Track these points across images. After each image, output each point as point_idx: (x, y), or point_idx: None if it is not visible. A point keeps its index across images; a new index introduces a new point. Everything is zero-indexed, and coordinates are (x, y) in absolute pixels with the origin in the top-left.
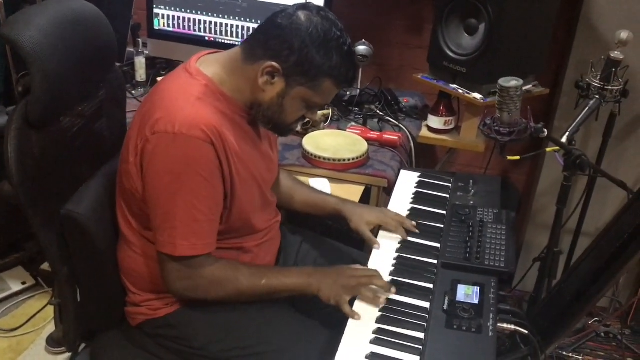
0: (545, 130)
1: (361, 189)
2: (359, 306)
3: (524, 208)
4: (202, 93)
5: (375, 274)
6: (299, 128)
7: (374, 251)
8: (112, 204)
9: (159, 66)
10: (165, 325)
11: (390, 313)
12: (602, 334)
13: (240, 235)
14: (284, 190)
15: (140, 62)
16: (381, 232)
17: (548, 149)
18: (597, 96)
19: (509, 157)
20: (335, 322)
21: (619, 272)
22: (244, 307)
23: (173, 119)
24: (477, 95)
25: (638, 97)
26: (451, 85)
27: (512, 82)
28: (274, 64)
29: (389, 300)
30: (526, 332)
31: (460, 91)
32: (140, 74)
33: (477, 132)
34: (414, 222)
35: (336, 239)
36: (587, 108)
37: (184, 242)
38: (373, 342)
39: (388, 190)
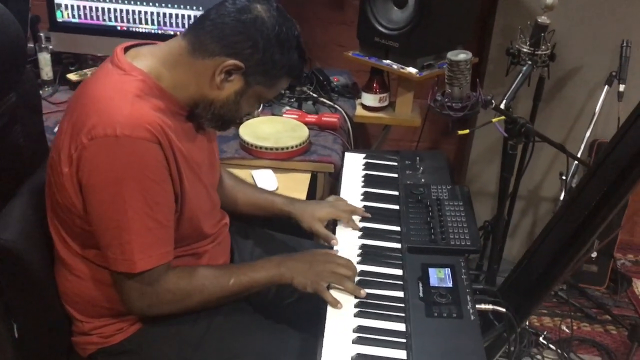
0: (494, 102)
1: (307, 176)
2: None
3: (457, 177)
4: (140, 90)
5: (349, 262)
6: None
7: (336, 245)
8: (43, 224)
9: (66, 61)
10: (122, 352)
11: (367, 307)
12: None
13: (190, 242)
14: (227, 191)
15: (44, 59)
16: (339, 225)
17: (494, 119)
18: (529, 62)
19: (460, 132)
20: (304, 322)
21: (587, 242)
22: (207, 318)
23: (112, 121)
24: (413, 70)
25: (564, 60)
26: (384, 61)
27: (461, 55)
28: (237, 62)
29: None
30: (504, 310)
31: (395, 67)
32: (46, 71)
33: (412, 106)
34: (363, 209)
35: (288, 232)
36: (520, 74)
37: (141, 256)
38: (356, 341)
39: (335, 175)
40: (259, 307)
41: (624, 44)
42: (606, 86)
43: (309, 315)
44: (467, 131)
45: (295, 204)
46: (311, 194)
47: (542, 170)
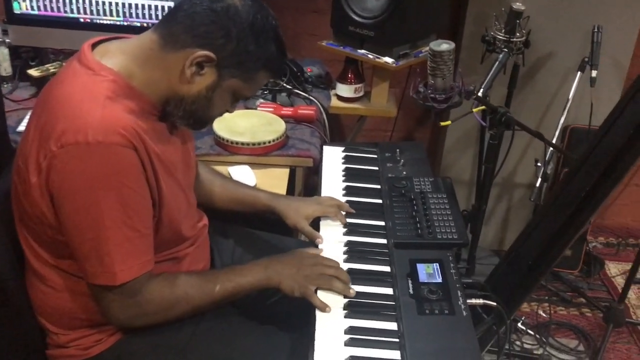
0: (476, 92)
1: (286, 171)
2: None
3: (432, 166)
4: (111, 91)
5: (337, 264)
6: None
7: (321, 242)
8: (11, 233)
9: (26, 56)
10: None
11: (357, 307)
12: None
13: (169, 247)
14: (205, 186)
15: (2, 54)
16: (322, 221)
17: (474, 110)
18: (505, 49)
19: (442, 124)
20: (292, 320)
21: (577, 234)
22: (191, 324)
23: (84, 127)
24: (389, 60)
25: (537, 46)
26: (359, 50)
27: (444, 45)
28: (208, 53)
29: None
30: (494, 304)
31: (370, 56)
32: (5, 67)
33: (387, 96)
34: (348, 205)
35: (268, 229)
36: (497, 62)
37: (121, 267)
38: (348, 343)
39: (314, 169)
40: (243, 308)
41: (595, 30)
42: (579, 72)
43: (296, 313)
44: (449, 122)
45: (279, 199)
46: (290, 190)
47: (516, 157)
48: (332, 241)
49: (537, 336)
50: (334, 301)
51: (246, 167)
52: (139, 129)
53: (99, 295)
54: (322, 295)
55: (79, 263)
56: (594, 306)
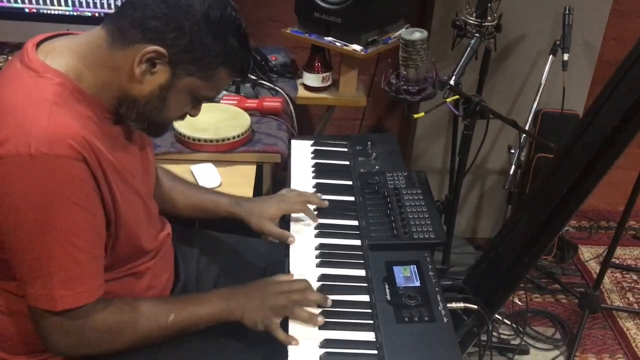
0: (449, 82)
1: (253, 168)
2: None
3: (403, 155)
4: (58, 95)
5: (306, 286)
6: None
7: (291, 246)
8: None
9: None
10: None
11: (332, 317)
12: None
13: (129, 261)
14: (165, 193)
15: None
16: (293, 223)
17: (448, 99)
18: (476, 34)
19: (416, 116)
20: (262, 339)
21: (560, 229)
22: (151, 352)
23: (26, 137)
24: (357, 47)
25: (508, 30)
26: (326, 38)
27: (416, 34)
28: (158, 48)
29: None
30: (476, 307)
31: (338, 44)
32: None
33: (356, 85)
34: (319, 194)
35: (235, 231)
36: (469, 48)
37: (65, 293)
38: (324, 358)
39: (282, 165)
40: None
41: (566, 12)
42: (551, 56)
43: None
44: (422, 114)
45: (241, 203)
46: (257, 187)
47: (487, 144)
48: (303, 244)
49: (514, 325)
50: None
51: (210, 166)
52: (90, 137)
53: (38, 319)
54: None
55: (20, 283)
56: (568, 292)
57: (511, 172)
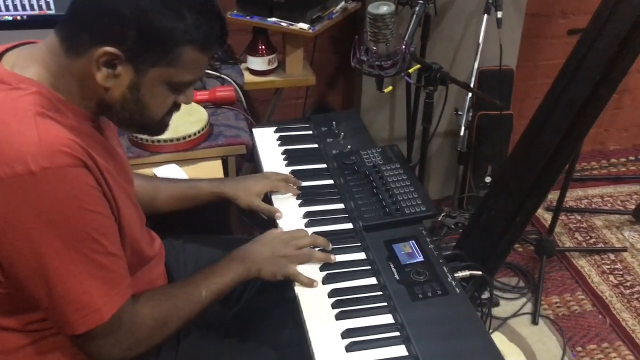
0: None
1: (218, 163)
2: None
3: None
4: (39, 105)
5: (306, 233)
6: None
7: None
8: None
9: None
10: None
11: (346, 305)
12: (452, 226)
13: (133, 272)
14: (144, 194)
15: None
16: (279, 222)
17: (411, 69)
18: (420, 1)
19: (385, 90)
20: (280, 338)
21: (548, 190)
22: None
23: (20, 154)
24: (304, 25)
25: None
26: (269, 19)
27: (383, 7)
28: (107, 49)
29: (335, 291)
30: (480, 273)
31: (284, 24)
32: None
33: (302, 64)
34: (294, 178)
35: (207, 230)
36: (414, 15)
37: (106, 299)
38: (349, 349)
39: (247, 156)
40: (206, 328)
41: None
42: (485, 15)
43: (267, 319)
44: (390, 88)
45: (225, 183)
46: None
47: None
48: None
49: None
50: (322, 304)
51: (174, 166)
52: (82, 143)
53: (86, 344)
54: (310, 308)
55: (52, 316)
56: (524, 241)
57: (462, 134)
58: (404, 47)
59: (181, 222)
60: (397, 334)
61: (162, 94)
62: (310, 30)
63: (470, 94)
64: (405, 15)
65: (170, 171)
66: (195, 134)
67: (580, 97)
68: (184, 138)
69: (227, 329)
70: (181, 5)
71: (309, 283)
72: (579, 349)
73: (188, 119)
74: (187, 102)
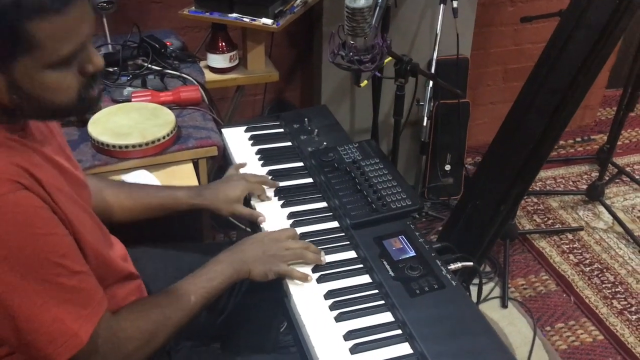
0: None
1: (189, 166)
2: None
3: None
4: None
5: (295, 233)
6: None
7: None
8: None
9: None
10: None
11: (344, 307)
12: (417, 215)
13: (108, 284)
14: (106, 201)
15: None
16: (263, 225)
17: (385, 61)
18: None
19: (362, 85)
20: (265, 341)
21: (532, 178)
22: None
23: None
24: (267, 21)
25: None
26: (230, 15)
27: (361, 1)
28: None
29: (330, 292)
30: (471, 263)
31: (246, 20)
32: None
33: (265, 60)
34: (270, 178)
35: (178, 237)
36: (377, 8)
37: (81, 322)
38: (353, 351)
39: (219, 158)
40: (196, 338)
41: None
42: (441, 5)
43: (257, 322)
44: (366, 82)
45: (203, 193)
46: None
47: (389, 98)
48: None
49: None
50: (321, 306)
51: (144, 172)
52: (14, 159)
53: None
54: (309, 314)
55: (26, 354)
56: None
57: (424, 124)
58: (381, 40)
59: (150, 231)
60: (399, 332)
61: (55, 78)
62: (275, 26)
63: (431, 84)
64: None
65: (140, 177)
66: (163, 138)
67: (562, 85)
68: (153, 142)
69: (217, 336)
70: None
71: (303, 277)
72: (548, 328)
73: (155, 122)
74: (97, 68)
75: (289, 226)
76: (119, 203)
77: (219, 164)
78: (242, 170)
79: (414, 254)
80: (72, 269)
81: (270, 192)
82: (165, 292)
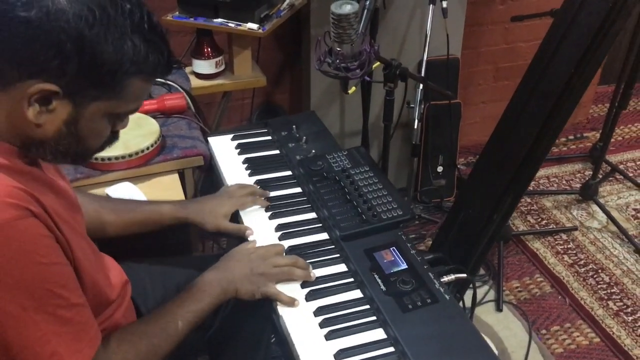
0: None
1: (175, 177)
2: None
3: None
4: None
5: (283, 248)
6: None
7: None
8: None
9: None
10: None
11: (335, 324)
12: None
13: (97, 314)
14: (92, 218)
15: None
16: (251, 237)
17: (373, 66)
18: None
19: (350, 91)
20: (253, 357)
21: (526, 186)
22: None
23: None
24: (253, 25)
25: None
26: (215, 20)
27: (347, 6)
28: (44, 86)
29: (320, 309)
30: (465, 275)
31: (232, 25)
32: None
33: (251, 64)
34: (259, 188)
35: (166, 250)
36: (365, 10)
37: (77, 356)
38: None
39: (205, 167)
40: (184, 355)
41: None
42: (431, 5)
43: (244, 338)
44: (354, 89)
45: (188, 206)
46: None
47: (379, 101)
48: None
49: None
50: (310, 324)
51: (128, 185)
52: (24, 187)
53: None
54: (300, 331)
55: None
56: None
57: (415, 127)
58: (368, 46)
59: (137, 243)
60: (392, 349)
61: (102, 126)
62: (261, 30)
63: (421, 86)
64: None
65: (124, 190)
66: (147, 149)
67: (555, 89)
68: (136, 153)
69: (205, 352)
70: (128, 32)
71: (290, 302)
72: (544, 331)
73: (139, 133)
74: (124, 128)
75: (277, 239)
76: (112, 221)
77: (206, 174)
78: (230, 182)
79: (406, 267)
80: (70, 300)
81: (260, 208)
82: (153, 319)
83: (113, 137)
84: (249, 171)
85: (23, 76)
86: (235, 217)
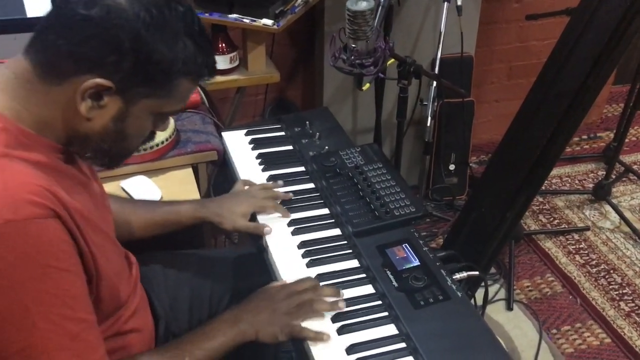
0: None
1: (189, 171)
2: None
3: None
4: (4, 144)
5: (314, 283)
6: None
7: (274, 251)
8: None
9: None
10: None
11: (346, 319)
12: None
13: (110, 316)
14: (118, 220)
15: None
16: (261, 221)
17: (387, 63)
18: None
19: (364, 88)
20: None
21: (540, 185)
22: None
23: None
24: (268, 21)
25: None
26: (229, 15)
27: (362, 3)
28: (99, 81)
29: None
30: (477, 273)
31: (246, 20)
32: None
33: (265, 60)
34: (280, 182)
35: (180, 244)
36: (380, 7)
37: None
38: None
39: (219, 162)
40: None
41: None
42: (445, 3)
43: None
44: (368, 85)
45: (207, 205)
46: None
47: (392, 98)
48: (284, 247)
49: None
50: (322, 321)
51: (143, 178)
52: (52, 187)
53: None
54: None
55: None
56: None
57: (428, 124)
58: (383, 43)
59: (150, 237)
60: (404, 345)
61: (146, 125)
62: (275, 27)
63: (435, 84)
64: None
65: (138, 183)
66: (162, 143)
67: (570, 89)
68: (151, 147)
69: None
70: (181, 34)
71: (318, 337)
72: (554, 331)
73: None
74: (163, 130)
75: (290, 234)
76: (135, 222)
77: (219, 169)
78: (243, 177)
79: (418, 264)
80: (79, 314)
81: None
82: (162, 352)
83: (150, 137)
84: (262, 166)
85: (79, 71)
86: (253, 220)
